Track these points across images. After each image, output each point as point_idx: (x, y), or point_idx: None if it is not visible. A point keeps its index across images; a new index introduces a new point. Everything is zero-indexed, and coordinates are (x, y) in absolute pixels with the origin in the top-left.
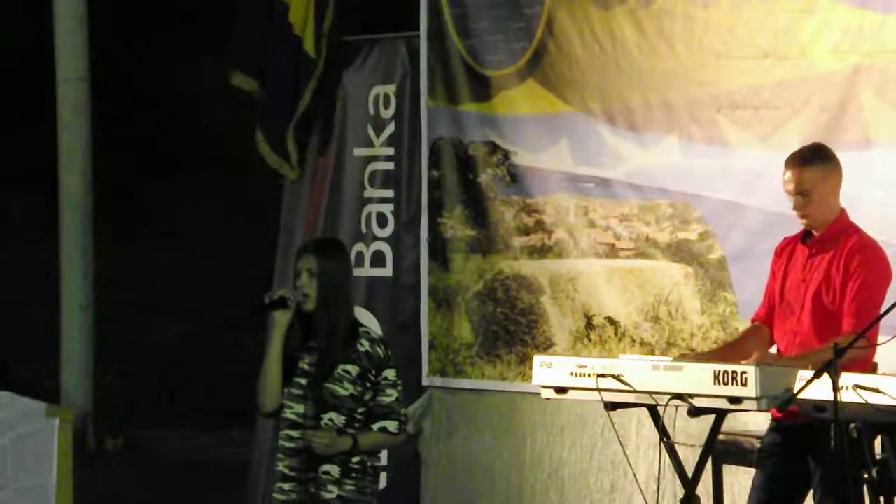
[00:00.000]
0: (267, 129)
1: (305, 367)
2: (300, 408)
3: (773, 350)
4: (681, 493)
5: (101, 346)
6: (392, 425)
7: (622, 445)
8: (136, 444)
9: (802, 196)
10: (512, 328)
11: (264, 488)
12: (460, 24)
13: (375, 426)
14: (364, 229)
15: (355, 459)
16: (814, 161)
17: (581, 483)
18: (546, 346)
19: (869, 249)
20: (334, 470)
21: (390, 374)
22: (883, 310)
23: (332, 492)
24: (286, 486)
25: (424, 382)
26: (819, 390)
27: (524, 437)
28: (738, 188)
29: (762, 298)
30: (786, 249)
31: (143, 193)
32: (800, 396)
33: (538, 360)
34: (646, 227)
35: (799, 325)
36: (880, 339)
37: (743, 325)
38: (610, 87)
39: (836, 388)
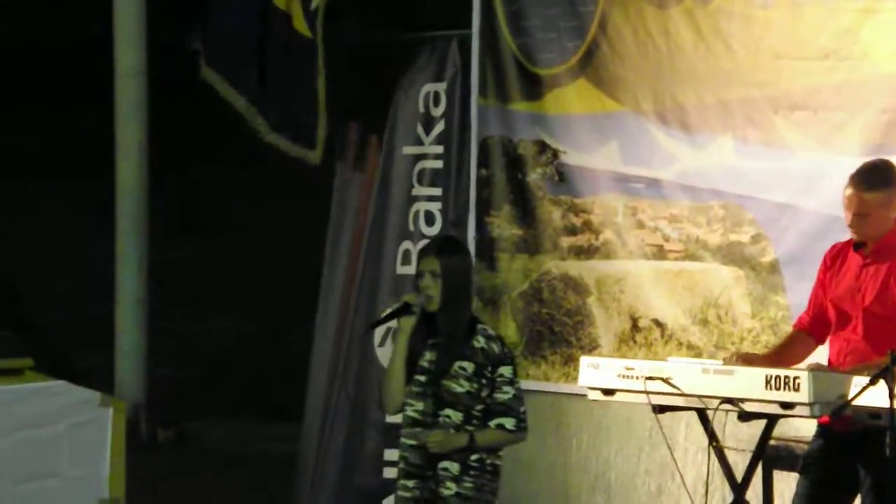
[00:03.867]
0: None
1: (425, 364)
2: (420, 405)
3: (825, 359)
4: (729, 497)
5: (155, 338)
6: (509, 423)
7: (670, 449)
8: (188, 436)
9: (860, 217)
10: (557, 329)
11: (311, 482)
12: (513, 21)
13: (493, 423)
14: (412, 227)
15: (474, 457)
16: (877, 186)
17: (628, 486)
18: (591, 348)
19: None
20: (453, 467)
21: (507, 371)
22: None
23: (450, 488)
24: (409, 483)
25: None
26: (874, 397)
27: (570, 439)
28: (794, 190)
29: (807, 305)
30: (837, 258)
31: (197, 188)
32: (854, 403)
33: (585, 361)
34: (696, 228)
35: (853, 334)
36: None
37: None
38: (663, 87)
39: (892, 395)
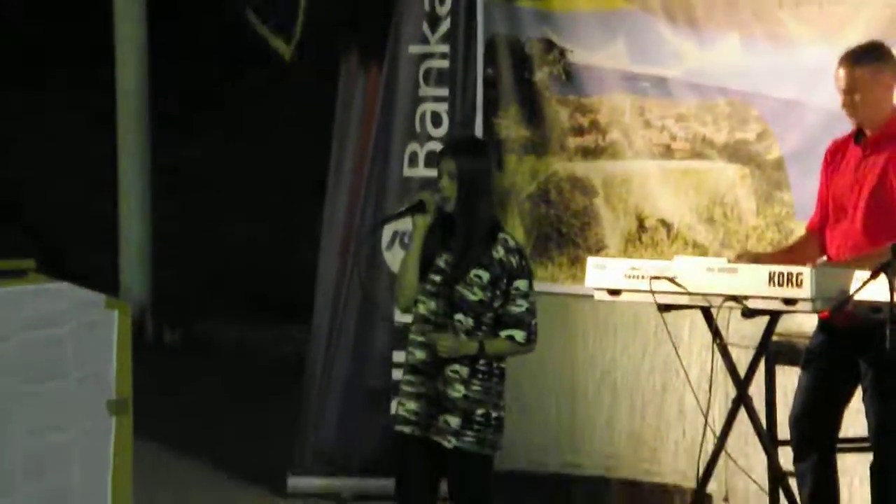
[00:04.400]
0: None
1: (441, 265)
2: (432, 304)
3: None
4: (733, 393)
5: (160, 241)
6: (520, 335)
7: (675, 346)
8: (194, 337)
9: (850, 95)
10: (564, 230)
11: (319, 384)
12: None
13: (503, 334)
14: (418, 128)
15: (482, 362)
16: (865, 60)
17: (633, 383)
18: (598, 249)
19: None
20: (463, 370)
21: (522, 284)
22: None
23: (459, 391)
24: (414, 379)
25: None
26: (875, 291)
27: (576, 339)
28: (800, 86)
29: (815, 207)
30: (836, 154)
31: (203, 87)
32: (855, 298)
33: (592, 262)
34: (702, 127)
35: (852, 227)
36: None
37: (799, 226)
38: None
39: (892, 289)
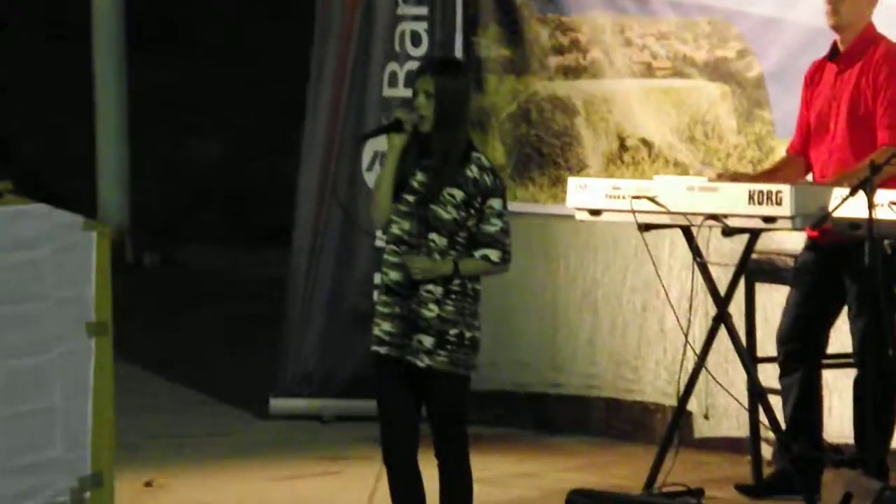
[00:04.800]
0: None
1: (415, 184)
2: (406, 225)
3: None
4: (712, 312)
5: (138, 162)
6: (494, 254)
7: (655, 266)
8: (174, 260)
9: (832, 4)
10: (545, 150)
11: (301, 306)
12: None
13: (478, 254)
14: (398, 48)
15: (456, 282)
16: None
17: (614, 303)
18: (579, 169)
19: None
20: (437, 290)
21: (496, 203)
22: None
23: (432, 310)
24: (389, 300)
25: None
26: (854, 208)
27: (558, 259)
28: (779, 3)
29: (795, 129)
30: (815, 75)
31: (180, 11)
32: (835, 215)
33: (573, 182)
34: (683, 45)
35: (834, 143)
36: None
37: (779, 144)
38: None
39: (871, 206)
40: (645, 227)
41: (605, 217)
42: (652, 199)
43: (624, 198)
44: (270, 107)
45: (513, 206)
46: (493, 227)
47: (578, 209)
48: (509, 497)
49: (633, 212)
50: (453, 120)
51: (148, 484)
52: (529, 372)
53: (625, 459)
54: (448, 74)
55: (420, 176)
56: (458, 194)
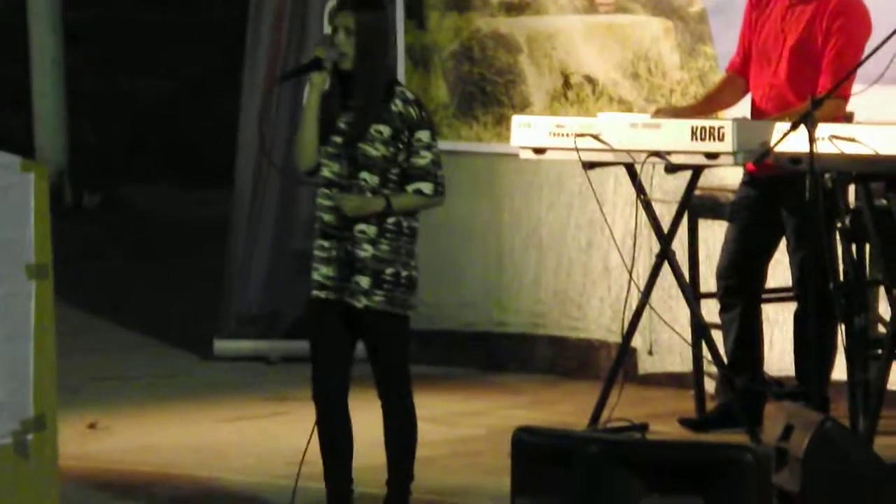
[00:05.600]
0: None
1: (341, 125)
2: (335, 166)
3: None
4: (657, 248)
5: (75, 102)
6: (427, 187)
7: (599, 204)
8: (114, 201)
9: None
10: (489, 88)
11: (245, 247)
12: None
13: (410, 188)
14: None
15: (391, 220)
16: None
17: (559, 241)
18: (523, 107)
19: (851, 8)
20: (370, 230)
21: (424, 135)
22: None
23: (366, 250)
24: (325, 244)
25: None
26: (795, 143)
27: (502, 198)
28: None
29: (737, 48)
30: None
31: None
32: (776, 149)
33: (516, 120)
34: None
35: (775, 77)
36: (856, 89)
37: None
38: None
39: (811, 140)
40: (589, 165)
41: (549, 155)
42: (596, 137)
43: (568, 136)
44: (214, 46)
45: (457, 146)
46: (424, 159)
47: (522, 148)
48: (456, 435)
49: (577, 150)
50: (375, 56)
51: (91, 426)
52: (475, 311)
53: (570, 396)
54: (368, 9)
55: (345, 116)
56: (386, 130)
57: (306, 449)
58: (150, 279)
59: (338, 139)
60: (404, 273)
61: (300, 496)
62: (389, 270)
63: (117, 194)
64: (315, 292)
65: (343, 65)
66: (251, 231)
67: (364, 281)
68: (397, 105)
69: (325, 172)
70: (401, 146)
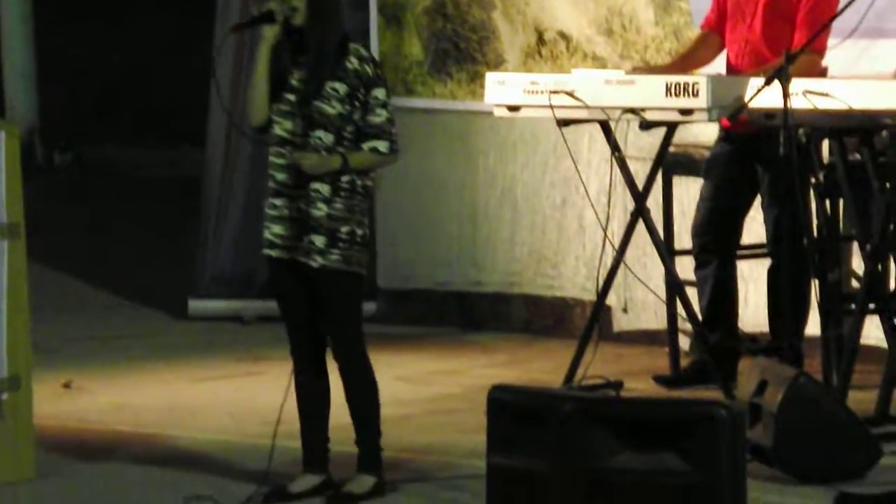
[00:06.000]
0: None
1: (294, 83)
2: (289, 124)
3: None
4: (631, 206)
5: (46, 59)
6: (383, 145)
7: (574, 161)
8: (86, 160)
9: None
10: (462, 45)
11: (217, 207)
12: None
13: (366, 146)
14: None
15: (345, 178)
16: None
17: (533, 199)
18: (497, 64)
19: None
20: (324, 188)
21: (380, 93)
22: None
23: (321, 209)
24: (277, 202)
25: None
26: (770, 98)
27: (477, 156)
28: None
29: (711, 4)
30: None
31: None
32: (750, 105)
33: (491, 77)
34: None
35: (750, 32)
36: (831, 43)
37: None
38: None
39: (786, 95)
40: (563, 123)
41: (523, 113)
42: (570, 94)
43: (542, 93)
44: (187, 4)
45: (431, 104)
46: (379, 117)
47: (497, 105)
48: (431, 394)
49: (552, 107)
50: (327, 11)
51: (66, 385)
52: (450, 270)
53: (545, 354)
54: None
55: (298, 74)
56: (341, 88)
57: (282, 408)
58: (123, 238)
59: (291, 97)
60: (359, 232)
61: (276, 455)
62: (345, 229)
63: (88, 153)
64: (266, 251)
65: (295, 20)
66: (224, 190)
67: (319, 240)
68: (352, 62)
69: (278, 130)
70: (356, 104)
